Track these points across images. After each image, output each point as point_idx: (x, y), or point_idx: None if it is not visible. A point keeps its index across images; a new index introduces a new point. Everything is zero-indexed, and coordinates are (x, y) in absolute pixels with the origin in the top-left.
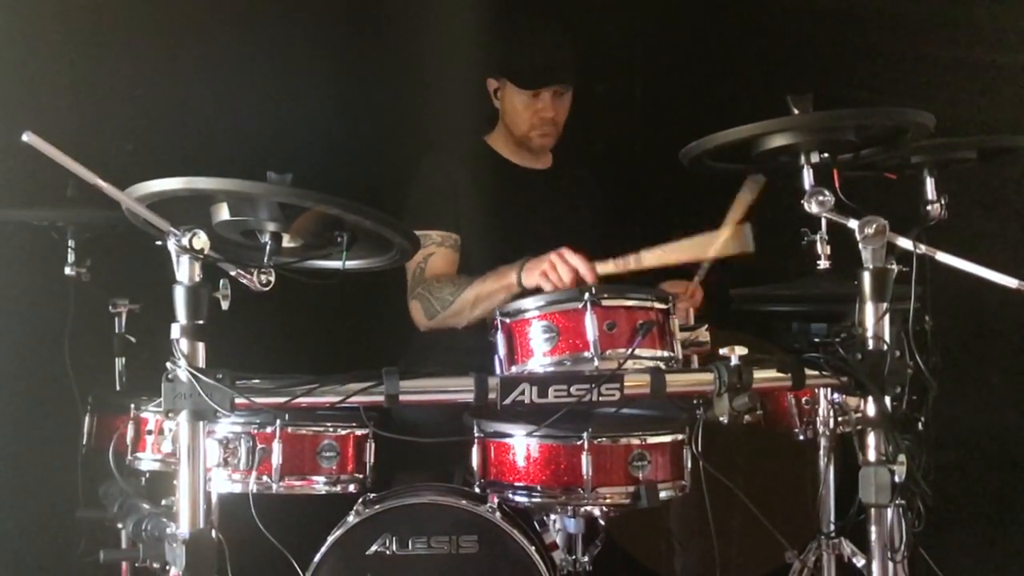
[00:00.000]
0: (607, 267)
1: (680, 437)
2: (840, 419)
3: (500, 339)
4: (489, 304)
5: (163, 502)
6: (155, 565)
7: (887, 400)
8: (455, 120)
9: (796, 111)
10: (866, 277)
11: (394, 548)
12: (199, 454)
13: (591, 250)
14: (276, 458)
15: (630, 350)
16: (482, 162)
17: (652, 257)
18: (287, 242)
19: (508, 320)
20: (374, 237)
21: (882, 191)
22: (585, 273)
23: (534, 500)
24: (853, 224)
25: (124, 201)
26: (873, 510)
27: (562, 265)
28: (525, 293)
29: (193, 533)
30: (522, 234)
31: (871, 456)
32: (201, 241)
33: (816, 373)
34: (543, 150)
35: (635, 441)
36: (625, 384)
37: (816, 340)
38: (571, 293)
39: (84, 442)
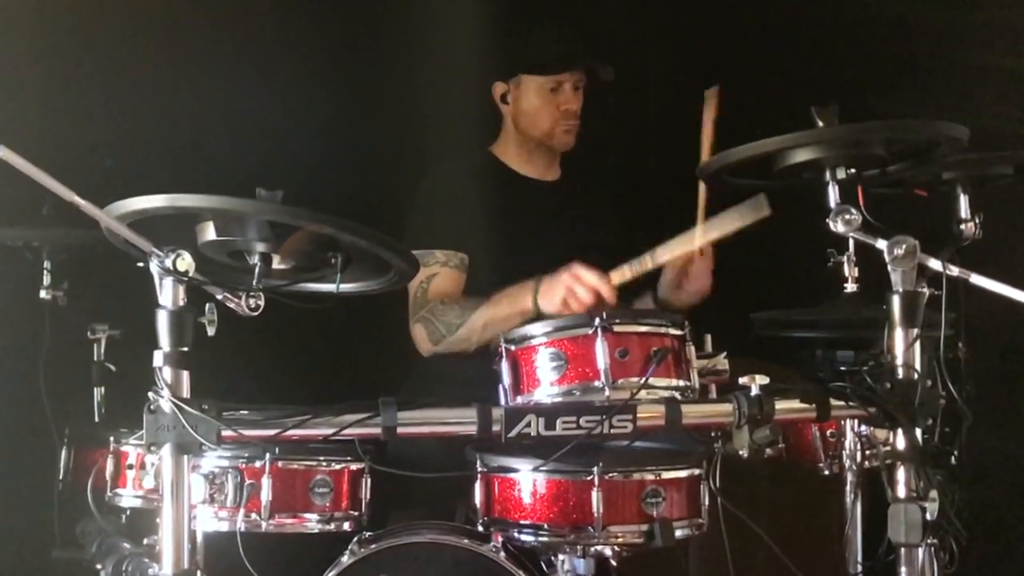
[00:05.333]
0: (624, 275)
1: (697, 472)
2: (868, 453)
3: (505, 367)
4: (501, 329)
5: (145, 541)
6: None
7: (918, 432)
8: (460, 130)
9: (821, 124)
10: (895, 301)
11: None
12: (183, 490)
13: (603, 265)
14: (266, 494)
15: (643, 379)
16: (489, 173)
17: (666, 252)
18: (278, 264)
19: (513, 347)
20: (371, 258)
21: (913, 209)
22: (605, 292)
23: (541, 539)
24: (882, 244)
25: (103, 220)
26: (903, 550)
27: (580, 287)
28: (542, 318)
29: (177, 575)
30: (532, 249)
31: (901, 492)
32: (186, 262)
33: (842, 404)
34: (565, 148)
35: (649, 476)
36: (638, 415)
37: (842, 368)
38: (580, 318)
39: (60, 477)
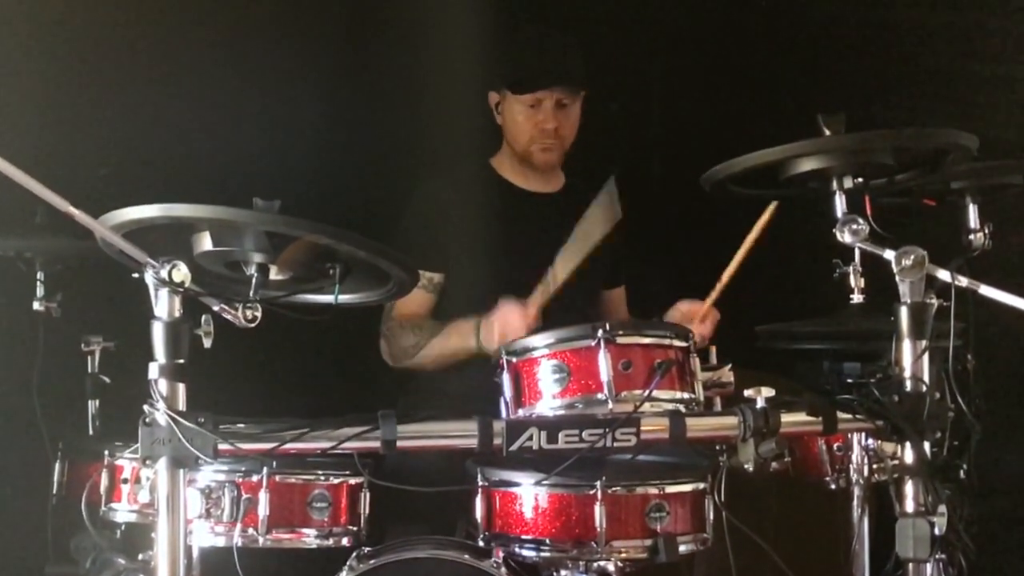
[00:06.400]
0: (536, 301)
1: (702, 486)
2: (875, 466)
3: (506, 380)
4: (451, 362)
5: (140, 557)
6: None
7: (926, 446)
8: (457, 141)
9: (828, 132)
10: (903, 312)
11: None
12: (179, 504)
13: (604, 278)
14: (263, 509)
15: (647, 392)
16: (484, 186)
17: (562, 265)
18: (275, 274)
19: (515, 359)
20: (369, 269)
21: (921, 219)
22: (531, 323)
23: (543, 554)
24: (889, 255)
25: (98, 230)
26: (911, 565)
27: (508, 331)
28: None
29: None
30: (532, 261)
31: (909, 507)
32: (181, 273)
33: (849, 417)
34: (547, 167)
35: (653, 490)
36: (642, 429)
37: (849, 381)
38: (583, 330)
39: (54, 491)
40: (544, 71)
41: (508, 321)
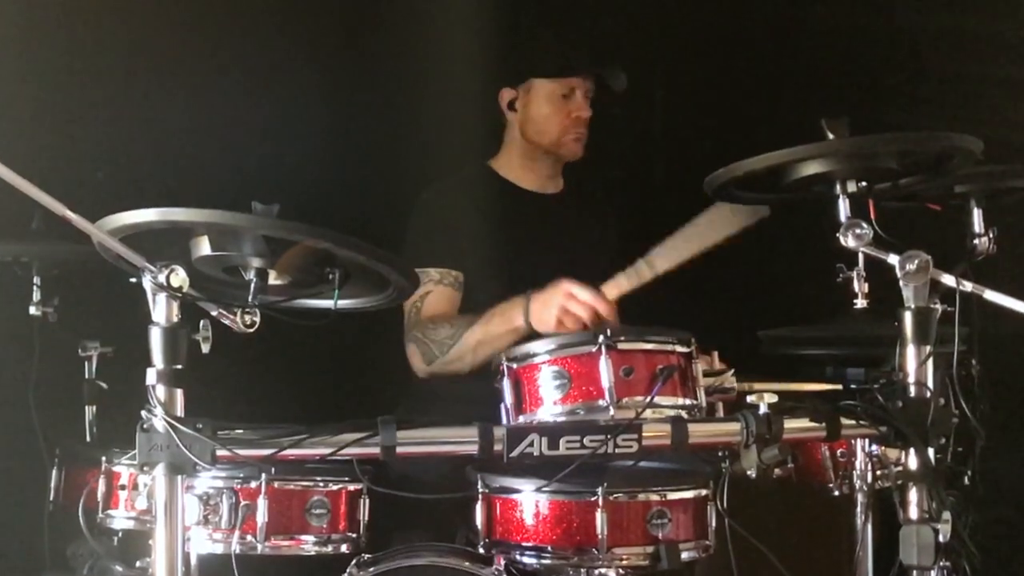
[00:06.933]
0: (620, 286)
1: (704, 493)
2: (879, 473)
3: (507, 386)
4: (494, 348)
5: (138, 564)
6: None
7: (930, 452)
8: (457, 145)
9: (831, 136)
10: (907, 317)
11: None
12: (177, 511)
13: (606, 279)
14: (261, 516)
15: (649, 398)
16: (487, 189)
17: (664, 258)
18: (274, 279)
19: (515, 365)
20: (369, 274)
21: (925, 223)
22: (602, 309)
23: (544, 562)
24: (893, 260)
25: (95, 234)
26: (915, 572)
27: (574, 305)
28: (535, 335)
29: None
30: (533, 263)
31: (913, 513)
32: (179, 278)
33: (852, 422)
34: (573, 157)
35: (654, 497)
36: (643, 435)
37: (853, 386)
38: (584, 336)
39: (51, 498)
40: (584, 56)
41: (579, 299)
